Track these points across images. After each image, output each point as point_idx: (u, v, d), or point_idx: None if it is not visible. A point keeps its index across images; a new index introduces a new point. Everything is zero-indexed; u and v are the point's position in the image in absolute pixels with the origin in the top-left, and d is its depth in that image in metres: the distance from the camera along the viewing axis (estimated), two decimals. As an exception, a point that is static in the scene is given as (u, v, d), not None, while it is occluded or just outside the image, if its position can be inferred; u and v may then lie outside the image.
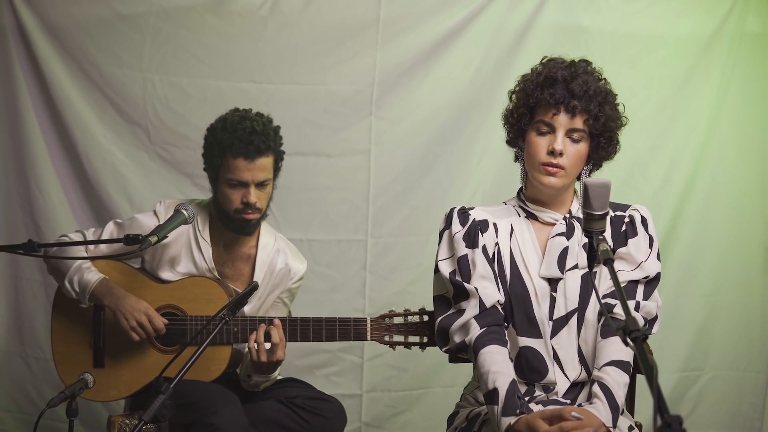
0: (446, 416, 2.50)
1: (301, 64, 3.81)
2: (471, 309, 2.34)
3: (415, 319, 2.79)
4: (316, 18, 3.81)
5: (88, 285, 2.84)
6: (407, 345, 2.81)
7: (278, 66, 3.81)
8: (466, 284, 2.36)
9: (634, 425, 2.32)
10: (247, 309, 2.92)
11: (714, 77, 3.91)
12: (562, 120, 2.32)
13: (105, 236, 2.93)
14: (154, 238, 2.60)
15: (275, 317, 2.80)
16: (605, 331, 2.31)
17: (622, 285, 2.33)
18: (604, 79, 2.41)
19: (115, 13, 3.75)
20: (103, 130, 3.77)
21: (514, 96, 2.44)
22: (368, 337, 2.81)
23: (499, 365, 2.26)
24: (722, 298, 3.99)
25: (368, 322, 2.81)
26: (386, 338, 2.81)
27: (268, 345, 2.74)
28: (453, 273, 2.40)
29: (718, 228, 3.97)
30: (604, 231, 2.08)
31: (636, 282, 2.36)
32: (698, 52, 3.90)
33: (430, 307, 2.65)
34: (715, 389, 4.00)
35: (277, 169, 2.97)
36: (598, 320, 2.33)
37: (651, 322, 2.37)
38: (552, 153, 2.31)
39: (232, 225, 2.93)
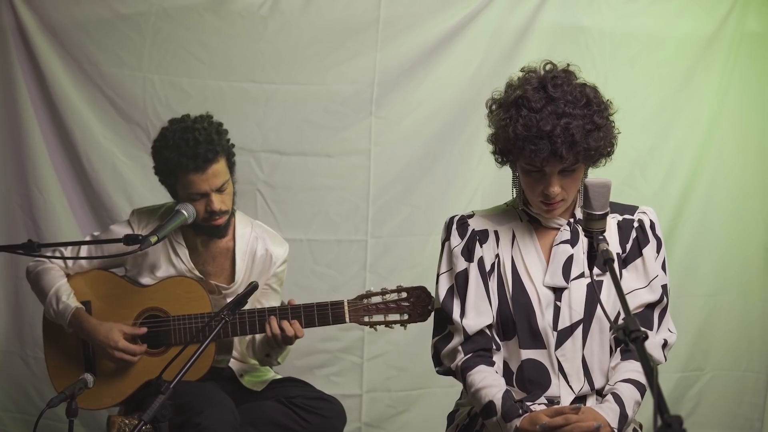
0: (446, 416, 2.50)
1: (301, 64, 3.81)
2: (457, 335, 2.31)
3: (393, 297, 2.79)
4: (316, 18, 3.81)
5: (65, 314, 2.86)
6: (387, 324, 2.80)
7: (278, 66, 3.81)
8: (453, 315, 2.30)
9: (637, 428, 2.31)
10: None
11: (714, 77, 3.91)
12: (551, 167, 2.20)
13: (84, 251, 2.95)
14: (154, 238, 2.61)
15: (271, 314, 2.80)
16: (627, 356, 2.25)
17: (638, 310, 2.28)
18: (585, 85, 2.26)
19: (115, 13, 3.75)
20: (103, 130, 3.77)
21: (492, 127, 2.32)
22: (347, 319, 2.79)
23: (487, 380, 2.23)
24: (722, 298, 3.99)
25: (345, 304, 2.80)
26: (365, 319, 2.80)
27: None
28: (450, 291, 2.34)
29: (718, 228, 3.97)
30: (604, 231, 2.06)
31: (652, 308, 2.30)
32: (698, 52, 3.90)
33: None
34: (715, 389, 3.99)
35: (231, 166, 2.95)
36: (612, 337, 2.27)
37: (669, 351, 2.33)
38: (547, 195, 2.23)
39: (203, 231, 2.94)
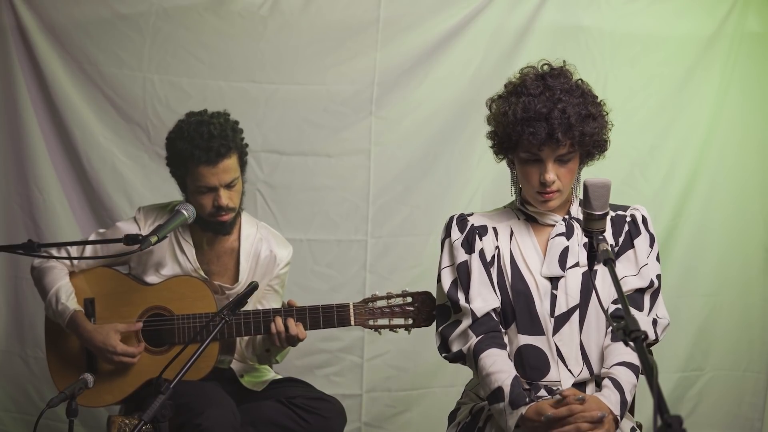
0: (446, 416, 2.50)
1: (301, 64, 3.81)
2: (466, 319, 2.36)
3: (399, 301, 2.80)
4: (316, 18, 3.81)
5: (63, 316, 2.85)
6: (392, 328, 2.81)
7: (278, 66, 3.81)
8: (460, 300, 2.37)
9: (636, 426, 2.33)
10: None
11: (714, 77, 3.91)
12: (547, 152, 2.30)
13: (88, 249, 2.95)
14: (154, 238, 2.62)
15: (276, 314, 2.80)
16: (616, 336, 2.31)
17: (629, 293, 2.34)
18: (581, 80, 2.38)
19: (115, 13, 3.76)
20: (103, 130, 3.78)
21: (493, 123, 2.41)
22: (352, 322, 2.81)
23: (499, 365, 2.27)
24: (722, 298, 3.99)
25: (351, 307, 2.81)
26: (370, 322, 2.81)
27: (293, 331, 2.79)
28: (453, 283, 2.40)
29: (718, 228, 3.97)
30: (604, 231, 2.09)
31: (643, 292, 2.36)
32: (698, 52, 3.90)
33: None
34: (715, 389, 3.99)
35: (243, 164, 2.97)
36: (606, 324, 2.34)
37: (661, 331, 2.38)
38: (543, 184, 2.32)
39: (209, 227, 2.94)
